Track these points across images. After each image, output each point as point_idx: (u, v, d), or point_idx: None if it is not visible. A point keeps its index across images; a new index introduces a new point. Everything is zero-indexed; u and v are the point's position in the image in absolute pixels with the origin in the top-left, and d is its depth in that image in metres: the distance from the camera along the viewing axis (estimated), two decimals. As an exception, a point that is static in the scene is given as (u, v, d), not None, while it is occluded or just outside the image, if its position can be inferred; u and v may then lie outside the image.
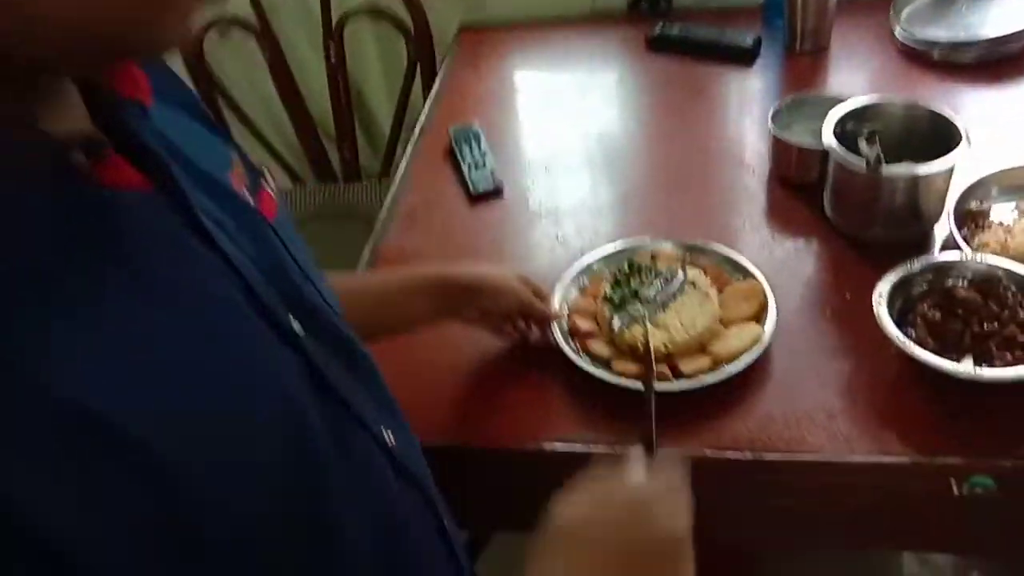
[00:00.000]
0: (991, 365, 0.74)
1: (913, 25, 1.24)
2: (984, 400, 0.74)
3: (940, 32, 1.21)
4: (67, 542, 0.29)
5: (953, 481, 0.72)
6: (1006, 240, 0.87)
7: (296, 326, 0.43)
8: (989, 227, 0.90)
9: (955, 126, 0.88)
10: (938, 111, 0.91)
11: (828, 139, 0.90)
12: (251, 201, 0.47)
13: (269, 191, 0.51)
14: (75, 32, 0.32)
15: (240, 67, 1.63)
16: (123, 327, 0.34)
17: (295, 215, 1.58)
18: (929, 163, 0.86)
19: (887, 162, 0.87)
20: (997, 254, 0.85)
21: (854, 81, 1.21)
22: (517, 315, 0.85)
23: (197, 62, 1.56)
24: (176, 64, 1.54)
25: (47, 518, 0.29)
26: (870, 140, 0.84)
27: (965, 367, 0.74)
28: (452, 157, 1.17)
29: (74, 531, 0.30)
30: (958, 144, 0.86)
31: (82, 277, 0.33)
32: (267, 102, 1.65)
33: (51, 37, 0.32)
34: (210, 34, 1.57)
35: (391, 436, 0.50)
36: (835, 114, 0.92)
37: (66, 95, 0.38)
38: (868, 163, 0.86)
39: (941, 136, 0.88)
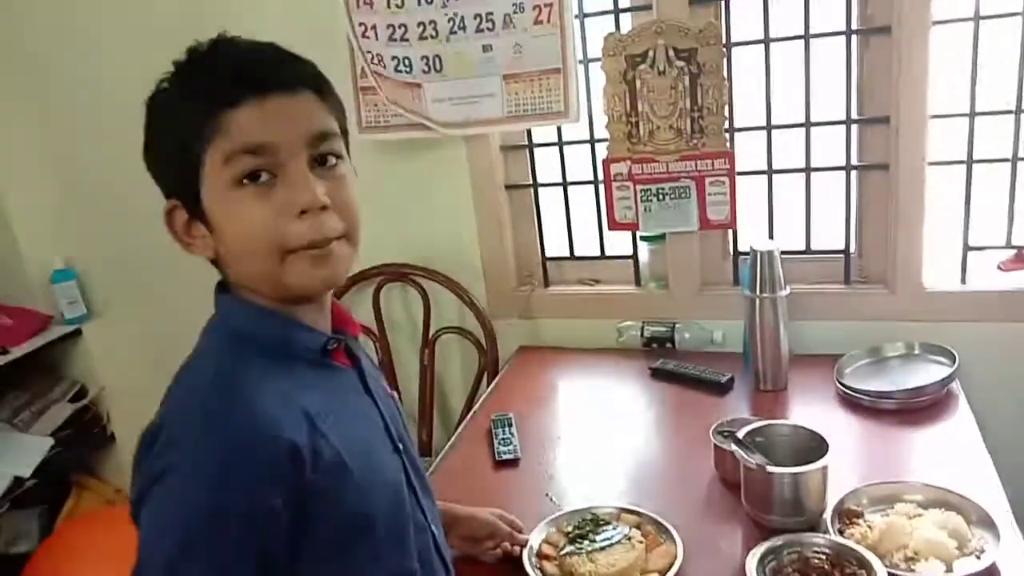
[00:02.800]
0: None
1: (851, 379, 1.64)
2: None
3: (870, 385, 1.60)
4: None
5: None
6: (866, 533, 1.19)
7: (400, 446, 0.96)
8: (858, 524, 1.22)
9: (824, 441, 1.24)
10: (812, 430, 1.28)
11: (732, 446, 1.28)
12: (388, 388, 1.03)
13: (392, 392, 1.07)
14: (258, 279, 0.86)
15: (357, 360, 2.19)
16: (341, 417, 0.85)
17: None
18: (802, 466, 1.22)
19: (775, 465, 1.24)
20: (858, 542, 1.16)
21: (801, 415, 1.59)
22: (489, 540, 1.23)
23: (328, 353, 2.12)
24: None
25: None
26: (753, 450, 1.22)
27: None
28: (490, 435, 1.60)
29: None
30: (825, 453, 1.22)
31: (327, 395, 0.86)
32: (372, 388, 2.18)
33: (255, 283, 0.87)
34: (341, 335, 2.15)
35: (437, 532, 0.99)
36: (743, 430, 1.31)
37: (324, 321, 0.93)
38: (758, 464, 1.23)
39: (817, 448, 1.25)
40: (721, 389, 1.70)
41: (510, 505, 1.39)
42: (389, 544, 0.91)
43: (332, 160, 0.87)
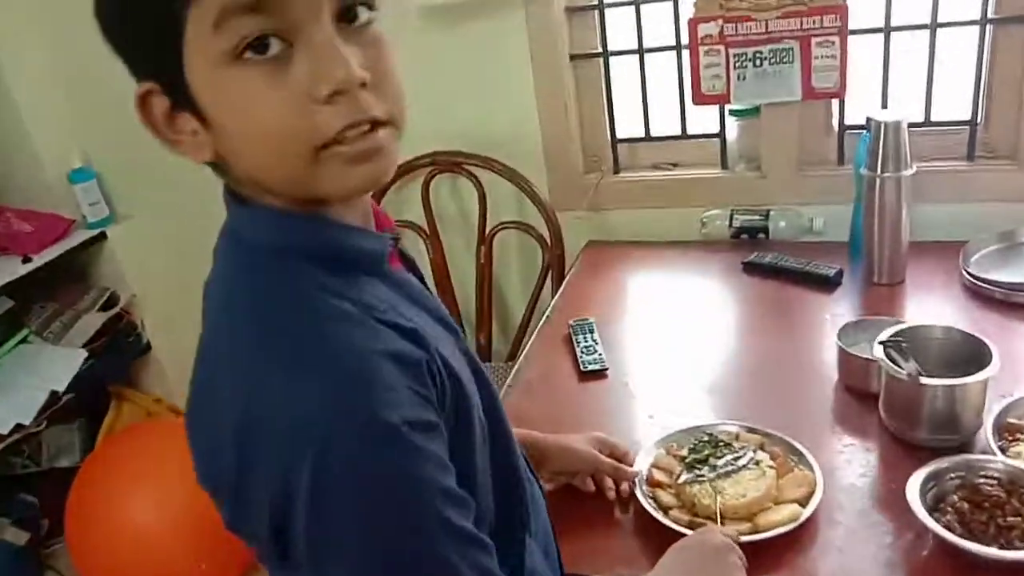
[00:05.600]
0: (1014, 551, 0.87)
1: (979, 269, 1.43)
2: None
3: (1002, 275, 1.39)
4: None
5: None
6: (1039, 452, 1.01)
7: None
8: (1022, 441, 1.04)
9: (987, 347, 1.05)
10: (971, 334, 1.08)
11: (877, 353, 1.09)
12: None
13: None
14: (281, 186, 0.63)
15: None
16: (427, 331, 0.66)
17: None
18: (963, 377, 1.03)
19: (929, 375, 1.05)
20: (1030, 463, 0.99)
21: (924, 312, 1.39)
22: (588, 474, 1.07)
23: (374, 253, 1.94)
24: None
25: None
26: (905, 355, 1.03)
27: (988, 548, 0.87)
28: (569, 343, 1.43)
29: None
30: (989, 362, 1.03)
31: (405, 307, 0.67)
32: (424, 289, 2.00)
33: (278, 190, 0.64)
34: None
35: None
36: (886, 333, 1.11)
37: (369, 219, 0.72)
38: (909, 375, 1.04)
39: (976, 356, 1.06)
40: (829, 284, 1.50)
41: (605, 425, 1.22)
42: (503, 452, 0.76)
43: (364, 15, 0.62)
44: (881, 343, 1.08)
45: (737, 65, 1.57)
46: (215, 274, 0.68)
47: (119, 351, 2.20)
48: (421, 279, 0.78)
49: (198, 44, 0.58)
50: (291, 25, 0.58)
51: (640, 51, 1.71)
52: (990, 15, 1.47)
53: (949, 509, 0.94)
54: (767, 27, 1.53)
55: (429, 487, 0.60)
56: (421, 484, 0.59)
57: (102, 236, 2.12)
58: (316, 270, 0.64)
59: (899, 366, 1.05)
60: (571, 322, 1.47)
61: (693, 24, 1.58)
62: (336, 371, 0.58)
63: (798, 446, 1.07)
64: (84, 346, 2.07)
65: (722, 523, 0.97)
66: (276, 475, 0.57)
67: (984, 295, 1.39)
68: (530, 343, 1.48)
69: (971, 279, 1.41)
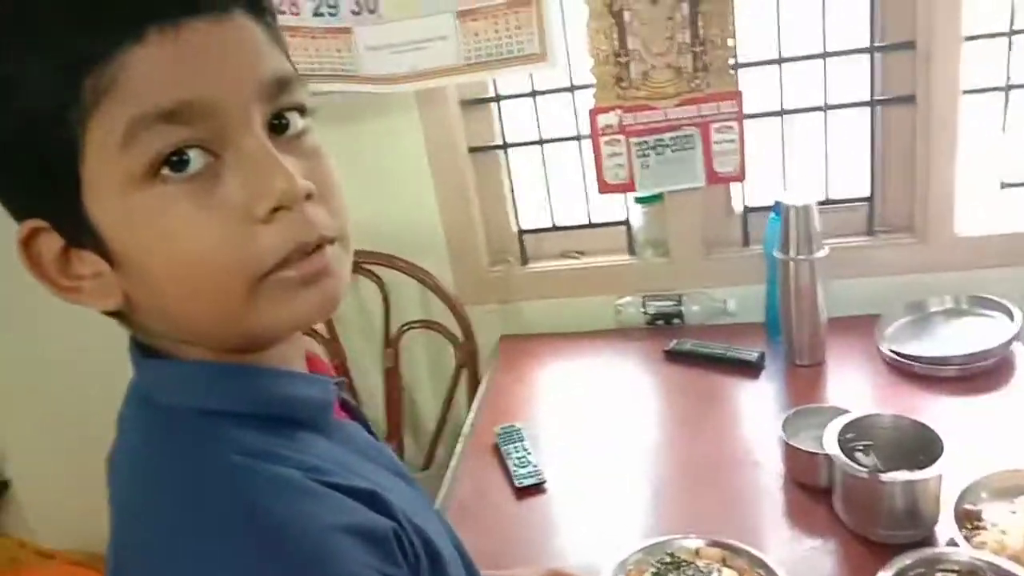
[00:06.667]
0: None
1: (896, 342, 1.44)
2: None
3: (920, 348, 1.41)
4: None
5: None
6: (1003, 540, 0.98)
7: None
8: (985, 528, 1.02)
9: (936, 435, 1.03)
10: (920, 422, 1.06)
11: (832, 449, 1.04)
12: None
13: None
14: (212, 329, 0.52)
15: (304, 368, 1.85)
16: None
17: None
18: (922, 471, 1.00)
19: (882, 470, 1.02)
20: (996, 553, 0.95)
21: (848, 391, 1.38)
22: None
23: (268, 364, 1.77)
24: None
25: None
26: (865, 452, 0.99)
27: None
28: (498, 453, 1.32)
29: None
30: (941, 452, 1.01)
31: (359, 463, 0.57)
32: (325, 399, 1.84)
33: (205, 335, 0.53)
34: (282, 341, 1.80)
35: None
36: (834, 426, 1.08)
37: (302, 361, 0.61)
38: (868, 471, 1.00)
39: (925, 444, 1.03)
40: (752, 369, 1.47)
41: (553, 547, 1.12)
42: None
43: (298, 123, 0.54)
44: (837, 442, 1.04)
45: (639, 154, 1.56)
46: (122, 445, 0.56)
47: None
48: (367, 427, 0.66)
49: (101, 166, 0.48)
50: (216, 134, 0.49)
51: (540, 142, 1.68)
52: (877, 96, 1.53)
53: (918, 609, 0.89)
54: (667, 115, 1.53)
55: None
56: None
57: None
58: (247, 431, 0.52)
59: (858, 463, 1.01)
60: (497, 430, 1.37)
61: (593, 115, 1.56)
62: (283, 558, 0.46)
63: (764, 558, 1.00)
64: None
65: (702, 659, 0.88)
66: None
67: (904, 370, 1.39)
68: (456, 458, 1.36)
69: (890, 355, 1.42)
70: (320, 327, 1.76)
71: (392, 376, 1.76)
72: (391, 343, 1.75)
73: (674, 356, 1.54)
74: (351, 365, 1.79)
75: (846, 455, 1.03)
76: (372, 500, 0.52)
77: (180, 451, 0.52)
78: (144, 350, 0.55)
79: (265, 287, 0.50)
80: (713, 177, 1.57)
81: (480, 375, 1.67)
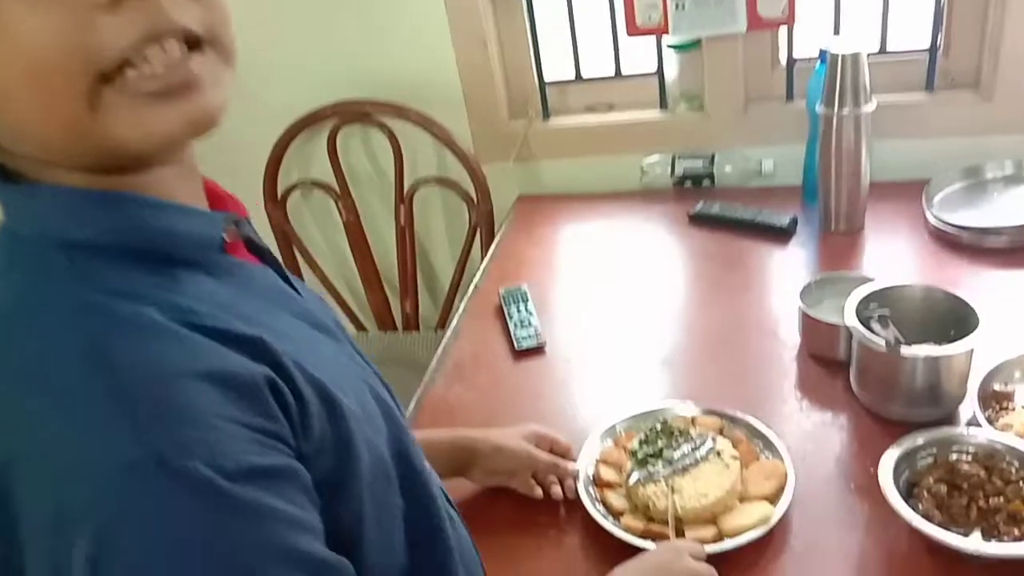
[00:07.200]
0: (999, 540, 0.75)
1: (944, 210, 1.31)
2: (998, 579, 0.75)
3: (970, 218, 1.27)
4: None
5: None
6: (1030, 421, 0.90)
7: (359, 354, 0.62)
8: (1013, 409, 0.93)
9: (972, 309, 0.93)
10: (954, 295, 0.96)
11: (850, 320, 0.95)
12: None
13: None
14: (60, 143, 0.44)
15: (319, 225, 1.80)
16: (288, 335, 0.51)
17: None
18: (947, 345, 0.90)
19: (908, 343, 0.92)
20: (1022, 436, 0.87)
21: (886, 262, 1.27)
22: (527, 471, 0.91)
23: (281, 217, 1.73)
24: (260, 217, 1.71)
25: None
26: (883, 322, 0.89)
27: (971, 542, 0.75)
28: (501, 315, 1.26)
29: None
30: (975, 327, 0.91)
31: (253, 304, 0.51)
32: (340, 256, 1.80)
33: (45, 146, 0.45)
34: (294, 194, 1.74)
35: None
36: (857, 295, 0.98)
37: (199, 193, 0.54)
38: (888, 344, 0.91)
39: (959, 318, 0.93)
40: (783, 234, 1.36)
41: (544, 411, 1.07)
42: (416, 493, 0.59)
43: None
44: (857, 312, 0.95)
45: (675, -8, 1.40)
46: None
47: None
48: (284, 276, 0.59)
49: None
50: None
51: (567, -21, 1.52)
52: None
53: (925, 494, 0.82)
54: (708, -53, 1.35)
55: (270, 558, 0.42)
56: (257, 557, 0.42)
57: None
58: (116, 267, 0.46)
59: (876, 335, 0.92)
60: (502, 291, 1.30)
61: (625, -54, 1.39)
62: (122, 406, 0.40)
63: (763, 429, 0.94)
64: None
65: (681, 531, 0.83)
66: (41, 565, 0.40)
67: (951, 240, 1.27)
68: (457, 316, 1.31)
69: (937, 223, 1.29)
70: (331, 180, 1.69)
71: (406, 233, 1.70)
72: (404, 199, 1.68)
73: (700, 220, 1.44)
74: (363, 221, 1.73)
75: (867, 327, 0.94)
76: (254, 346, 0.45)
77: (30, 287, 0.45)
78: (6, 175, 0.48)
79: (111, 92, 0.42)
80: (756, 21, 1.40)
81: (495, 234, 1.59)
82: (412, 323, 1.79)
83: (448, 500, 0.68)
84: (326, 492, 0.47)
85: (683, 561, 0.73)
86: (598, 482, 0.91)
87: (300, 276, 1.75)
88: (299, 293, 0.59)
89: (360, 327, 1.84)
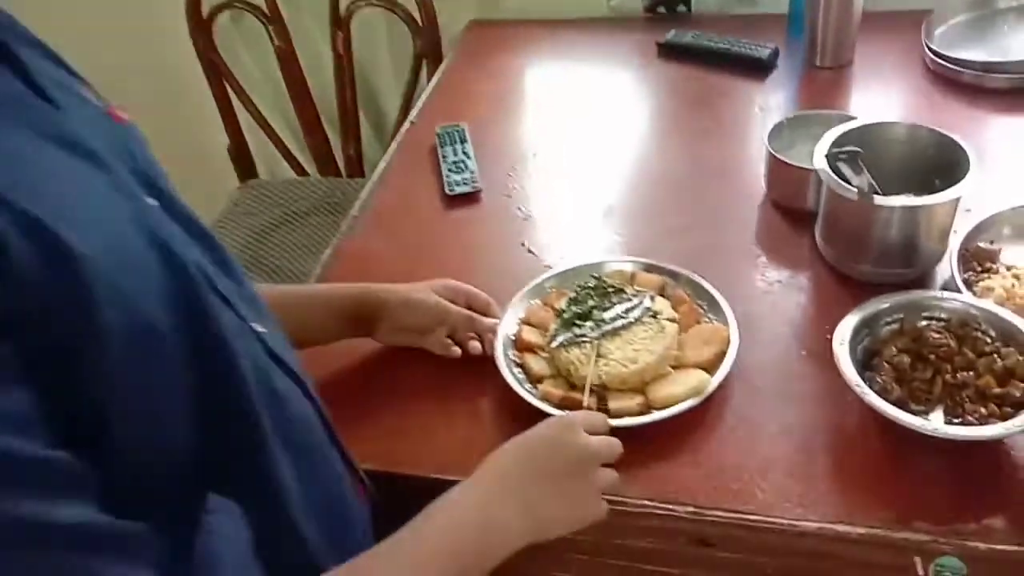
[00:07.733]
0: (963, 420, 0.66)
1: (945, 45, 1.14)
2: (957, 462, 0.66)
3: (973, 54, 1.11)
4: None
5: (918, 560, 0.63)
6: (1013, 287, 0.78)
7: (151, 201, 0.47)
8: (996, 271, 0.81)
9: (963, 151, 0.79)
10: (943, 133, 0.82)
11: (819, 162, 0.81)
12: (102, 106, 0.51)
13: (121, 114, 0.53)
14: None
15: (250, 53, 1.61)
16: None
17: (298, 207, 1.54)
18: (930, 195, 0.77)
19: (884, 191, 0.79)
20: (1001, 302, 0.76)
21: (874, 102, 1.12)
22: (439, 327, 0.80)
23: (207, 45, 1.53)
24: (184, 44, 1.52)
25: None
26: (855, 166, 0.75)
27: (931, 423, 0.66)
28: (435, 157, 1.12)
29: None
30: (965, 174, 0.77)
31: None
32: (275, 91, 1.62)
33: None
34: (221, 18, 1.54)
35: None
36: (831, 135, 0.83)
37: None
38: (860, 191, 0.78)
39: (947, 163, 0.80)
40: (761, 67, 1.20)
41: (472, 264, 0.95)
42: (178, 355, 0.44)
43: None
44: (826, 150, 0.81)
45: None
46: None
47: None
48: (40, 91, 0.44)
49: None
50: None
51: None
52: None
53: (885, 365, 0.71)
54: None
55: None
56: None
57: None
58: None
59: (847, 180, 0.78)
60: (438, 129, 1.15)
61: None
62: None
63: (709, 288, 0.82)
64: None
65: (602, 401, 0.73)
66: None
67: (949, 79, 1.12)
68: (387, 158, 1.17)
69: (934, 58, 1.13)
70: (262, 3, 1.49)
71: (344, 63, 1.52)
72: (341, 24, 1.48)
73: (669, 50, 1.27)
74: (297, 49, 1.54)
75: (838, 172, 0.80)
76: None
77: None
78: None
79: None
80: None
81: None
82: (356, 168, 1.64)
83: (293, 376, 0.56)
84: (61, 358, 0.36)
85: (572, 435, 0.63)
86: (520, 345, 0.81)
87: (233, 116, 1.59)
88: (59, 107, 0.44)
89: (301, 171, 1.68)
